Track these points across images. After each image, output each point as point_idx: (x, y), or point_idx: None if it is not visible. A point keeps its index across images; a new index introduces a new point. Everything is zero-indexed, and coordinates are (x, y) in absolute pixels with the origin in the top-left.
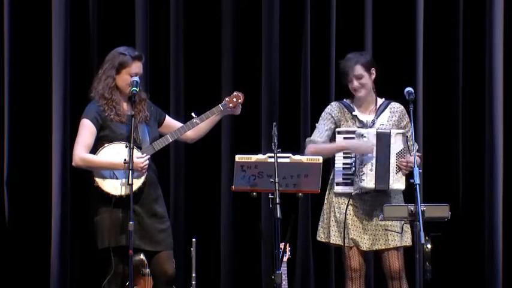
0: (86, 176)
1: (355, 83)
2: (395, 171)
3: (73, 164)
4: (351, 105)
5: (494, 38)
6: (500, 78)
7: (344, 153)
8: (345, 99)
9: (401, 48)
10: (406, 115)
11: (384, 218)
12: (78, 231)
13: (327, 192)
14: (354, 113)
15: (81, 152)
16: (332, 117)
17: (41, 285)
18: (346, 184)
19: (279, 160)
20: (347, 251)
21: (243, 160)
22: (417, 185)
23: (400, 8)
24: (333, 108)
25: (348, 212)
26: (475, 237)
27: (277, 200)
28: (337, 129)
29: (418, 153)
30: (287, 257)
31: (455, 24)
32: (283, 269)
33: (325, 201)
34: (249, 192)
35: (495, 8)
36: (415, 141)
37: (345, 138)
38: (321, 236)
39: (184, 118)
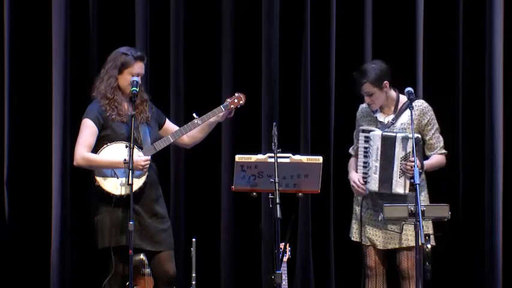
0: (86, 176)
1: (367, 100)
2: (398, 175)
3: (74, 163)
4: None
5: (494, 38)
6: (500, 78)
7: (364, 152)
8: None
9: (401, 48)
10: (430, 112)
11: (384, 218)
12: (78, 231)
13: None
14: (375, 115)
15: (82, 152)
16: (358, 123)
17: (41, 285)
18: (365, 183)
19: (279, 160)
20: (364, 249)
21: (243, 160)
22: (417, 185)
23: (400, 8)
24: (359, 113)
25: (365, 211)
26: (475, 237)
27: (277, 200)
28: (361, 128)
29: (443, 151)
30: (287, 257)
31: (455, 24)
32: (283, 269)
33: (353, 199)
34: (249, 192)
35: (495, 8)
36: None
37: (365, 137)
38: (351, 233)
39: (184, 119)
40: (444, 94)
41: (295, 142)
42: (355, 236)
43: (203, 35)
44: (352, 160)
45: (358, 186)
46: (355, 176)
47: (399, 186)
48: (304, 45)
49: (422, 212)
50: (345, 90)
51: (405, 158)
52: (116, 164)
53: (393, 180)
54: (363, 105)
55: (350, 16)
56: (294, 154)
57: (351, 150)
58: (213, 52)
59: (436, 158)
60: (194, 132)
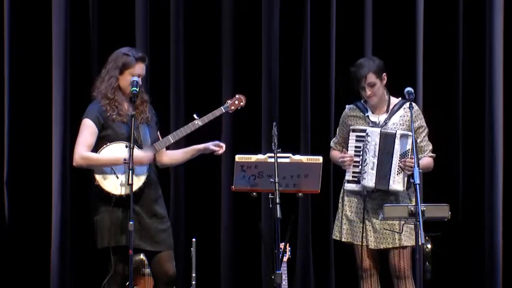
0: (86, 175)
1: (368, 91)
2: (396, 172)
3: (74, 163)
4: (365, 106)
5: (494, 38)
6: (500, 78)
7: (355, 151)
8: (361, 101)
9: (401, 48)
10: (421, 115)
11: (384, 218)
12: (78, 231)
13: (341, 190)
14: (366, 114)
15: (82, 151)
16: (344, 122)
17: (41, 285)
18: (354, 182)
19: (279, 160)
20: (357, 250)
21: (243, 160)
22: (417, 185)
23: (400, 8)
24: (346, 112)
25: (357, 210)
26: (475, 237)
27: (277, 200)
28: (351, 127)
29: (431, 154)
30: (287, 257)
31: (455, 24)
32: (283, 269)
33: (340, 200)
34: (249, 192)
35: (495, 8)
36: (428, 142)
37: (357, 136)
38: (336, 235)
39: (184, 119)
40: (444, 94)
41: (295, 142)
42: (346, 237)
43: (203, 35)
44: (335, 151)
45: (350, 156)
46: (341, 153)
47: (397, 183)
48: (304, 45)
49: (422, 212)
50: (348, 91)
51: (404, 156)
52: (116, 160)
53: (391, 177)
54: (350, 106)
55: (350, 16)
56: (294, 154)
57: (332, 144)
58: (213, 52)
59: (427, 160)
60: (176, 154)
